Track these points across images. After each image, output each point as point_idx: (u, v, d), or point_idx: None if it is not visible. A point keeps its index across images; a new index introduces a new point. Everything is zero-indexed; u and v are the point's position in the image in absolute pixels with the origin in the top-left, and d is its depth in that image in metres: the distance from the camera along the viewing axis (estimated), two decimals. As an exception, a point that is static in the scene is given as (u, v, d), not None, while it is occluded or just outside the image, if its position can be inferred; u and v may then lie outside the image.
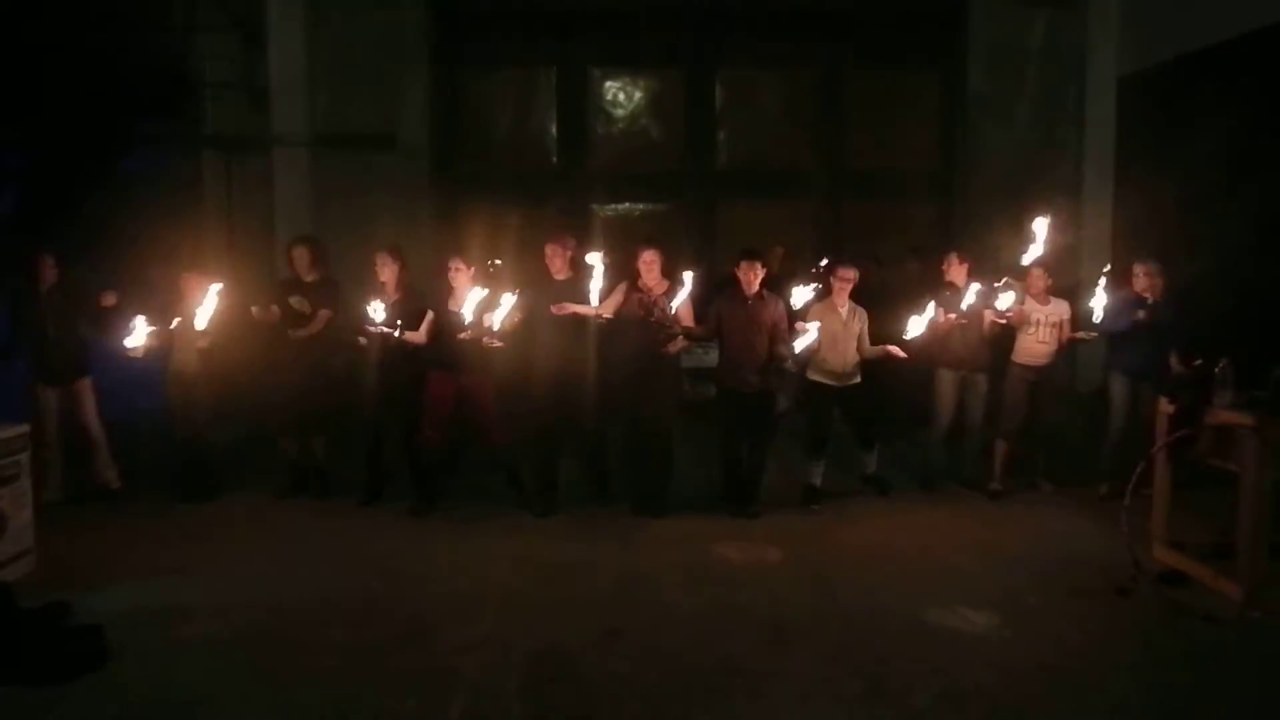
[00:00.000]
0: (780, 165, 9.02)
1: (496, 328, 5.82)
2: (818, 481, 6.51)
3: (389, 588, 5.07)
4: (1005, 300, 6.28)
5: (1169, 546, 5.34)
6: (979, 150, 8.58)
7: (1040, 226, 6.14)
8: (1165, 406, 5.32)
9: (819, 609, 4.77)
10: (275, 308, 6.37)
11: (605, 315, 5.97)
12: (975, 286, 6.33)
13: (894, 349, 6.17)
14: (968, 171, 8.65)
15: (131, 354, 5.92)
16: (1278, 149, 6.60)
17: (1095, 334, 6.37)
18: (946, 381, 6.67)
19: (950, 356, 6.59)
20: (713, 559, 5.54)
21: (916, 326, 6.11)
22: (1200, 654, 4.29)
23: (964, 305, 6.30)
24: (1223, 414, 4.95)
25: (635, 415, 6.31)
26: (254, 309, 6.30)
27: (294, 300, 6.42)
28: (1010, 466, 6.66)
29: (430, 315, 6.19)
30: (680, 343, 6.04)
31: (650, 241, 6.31)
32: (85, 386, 6.40)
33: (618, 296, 6.12)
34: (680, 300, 6.01)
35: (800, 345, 5.94)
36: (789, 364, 6.07)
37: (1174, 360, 6.22)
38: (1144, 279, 6.39)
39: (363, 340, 6.10)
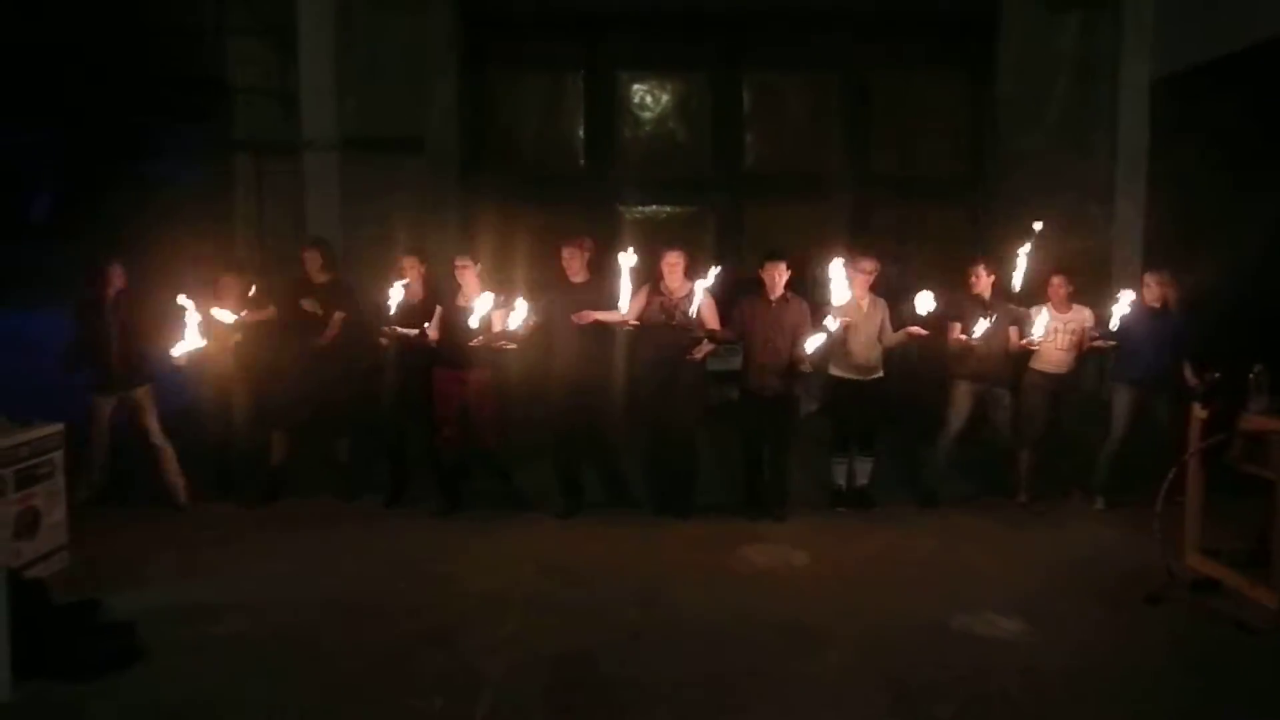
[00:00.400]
0: (807, 168, 8.96)
1: (511, 329, 5.82)
2: (843, 483, 6.47)
3: (413, 589, 5.10)
4: (1040, 325, 6.17)
5: (1202, 554, 5.26)
6: (1008, 154, 8.49)
7: (1024, 250, 6.06)
8: (1199, 412, 5.25)
9: (843, 613, 4.75)
10: (272, 308, 6.45)
11: (632, 322, 5.95)
12: (984, 323, 6.14)
13: (914, 329, 6.05)
14: (997, 175, 8.56)
15: (177, 362, 5.97)
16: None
17: (1114, 342, 6.23)
18: (963, 393, 6.46)
19: (969, 369, 6.41)
20: (736, 562, 5.53)
21: (925, 303, 5.97)
22: (1232, 663, 4.23)
23: (978, 331, 6.12)
24: (1257, 420, 4.88)
25: (659, 419, 6.28)
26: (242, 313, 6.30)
27: (306, 303, 6.44)
28: (1036, 477, 6.53)
29: (439, 311, 6.23)
30: (706, 347, 6.00)
31: (673, 243, 6.27)
32: (145, 394, 6.34)
33: (640, 300, 6.09)
34: (701, 302, 5.95)
35: (810, 346, 5.84)
36: (805, 366, 5.99)
37: (1187, 371, 6.12)
38: (1155, 289, 6.29)
39: (384, 340, 6.13)
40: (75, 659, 4.05)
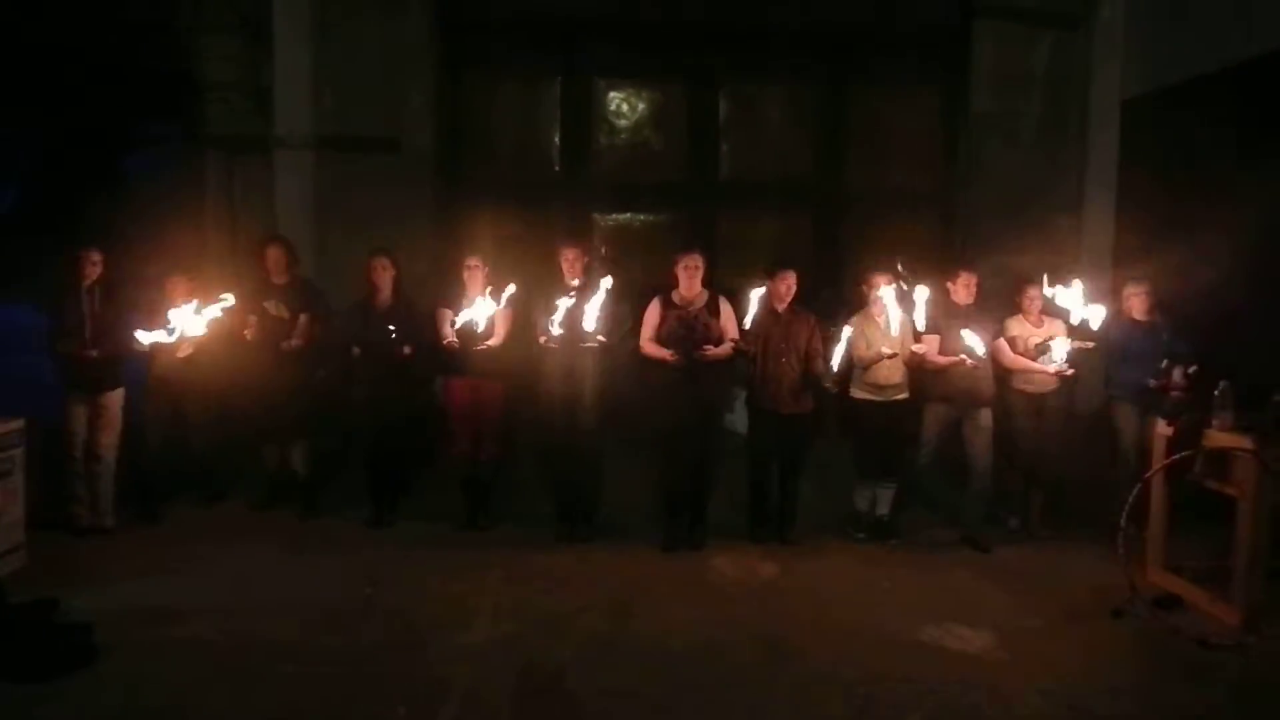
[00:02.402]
0: (782, 180, 9.02)
1: (481, 328, 5.66)
2: (886, 510, 6.02)
3: (381, 595, 5.04)
4: (976, 342, 5.66)
5: (1165, 570, 5.32)
6: (981, 170, 8.57)
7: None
8: (1163, 429, 5.30)
9: (813, 625, 4.75)
10: (253, 320, 6.08)
11: (660, 352, 5.64)
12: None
13: (918, 348, 5.69)
14: (969, 190, 8.64)
15: (139, 350, 5.71)
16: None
17: (1093, 343, 5.82)
18: (934, 417, 6.03)
19: (945, 389, 5.93)
20: (707, 573, 5.52)
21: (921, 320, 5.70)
22: (1195, 678, 4.27)
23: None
24: (1221, 437, 4.94)
25: (685, 439, 5.78)
26: (246, 332, 6.03)
27: (269, 305, 6.16)
28: (1044, 512, 6.26)
29: (448, 315, 5.88)
30: (722, 349, 5.60)
31: (688, 246, 5.87)
32: (114, 401, 5.90)
33: (653, 318, 5.75)
34: (723, 312, 5.63)
35: (836, 359, 5.51)
36: (829, 384, 5.67)
37: (1177, 374, 5.73)
38: (1142, 299, 6.12)
39: (355, 350, 5.91)
40: (30, 659, 3.97)
